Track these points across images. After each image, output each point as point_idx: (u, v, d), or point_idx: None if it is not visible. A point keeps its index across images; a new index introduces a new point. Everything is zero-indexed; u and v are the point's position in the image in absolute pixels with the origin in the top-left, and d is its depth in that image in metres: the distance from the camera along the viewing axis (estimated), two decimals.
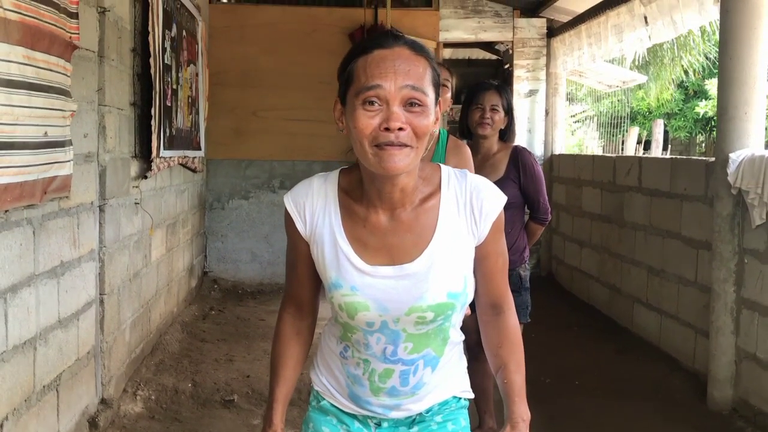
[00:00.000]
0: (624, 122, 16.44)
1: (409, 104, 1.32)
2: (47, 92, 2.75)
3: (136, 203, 4.18)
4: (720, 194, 3.92)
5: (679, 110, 20.25)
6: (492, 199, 1.45)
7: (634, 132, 14.28)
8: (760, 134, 3.84)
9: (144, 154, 4.26)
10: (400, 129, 1.30)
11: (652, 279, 5.03)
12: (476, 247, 1.46)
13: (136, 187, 4.19)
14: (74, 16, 3.02)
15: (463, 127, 3.42)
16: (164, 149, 4.53)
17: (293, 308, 1.59)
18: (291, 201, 1.48)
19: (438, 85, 1.39)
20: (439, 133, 2.95)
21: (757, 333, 3.71)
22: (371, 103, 1.31)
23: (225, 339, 5.06)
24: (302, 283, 1.55)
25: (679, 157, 6.13)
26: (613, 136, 16.25)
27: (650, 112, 19.98)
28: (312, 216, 1.46)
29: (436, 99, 1.38)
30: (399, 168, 1.32)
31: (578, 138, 17.44)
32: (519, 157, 3.33)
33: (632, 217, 5.37)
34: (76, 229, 3.25)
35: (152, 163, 4.28)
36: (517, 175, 3.29)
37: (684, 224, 4.56)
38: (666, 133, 20.50)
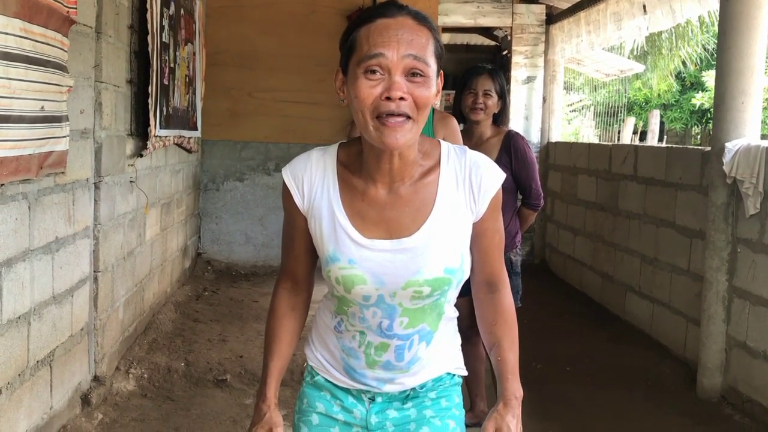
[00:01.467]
0: (621, 112, 16.44)
1: (411, 74, 1.31)
2: (44, 66, 2.73)
3: (131, 181, 4.17)
4: (715, 183, 3.93)
5: (675, 101, 20.26)
6: (491, 176, 1.45)
7: (630, 122, 14.27)
8: (756, 124, 3.86)
9: (140, 132, 4.24)
10: (402, 99, 1.30)
11: (645, 267, 5.05)
12: (474, 224, 1.46)
13: (132, 165, 4.18)
14: None
15: (457, 111, 3.41)
16: (160, 128, 4.51)
17: (289, 283, 1.58)
18: (290, 174, 1.47)
19: (440, 57, 1.38)
20: None
21: (747, 321, 3.73)
22: (373, 71, 1.31)
23: (218, 320, 5.06)
24: (299, 258, 1.55)
25: (674, 146, 6.14)
26: (609, 125, 16.25)
27: (647, 103, 19.98)
28: (310, 189, 1.46)
29: (438, 71, 1.38)
30: (400, 144, 1.32)
31: (575, 127, 17.44)
32: (512, 142, 3.33)
33: (627, 206, 5.38)
34: (72, 205, 3.25)
35: (148, 142, 4.26)
36: (510, 159, 3.29)
37: (678, 213, 4.58)
38: (662, 124, 20.50)
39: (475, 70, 3.37)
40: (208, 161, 6.82)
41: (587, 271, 6.20)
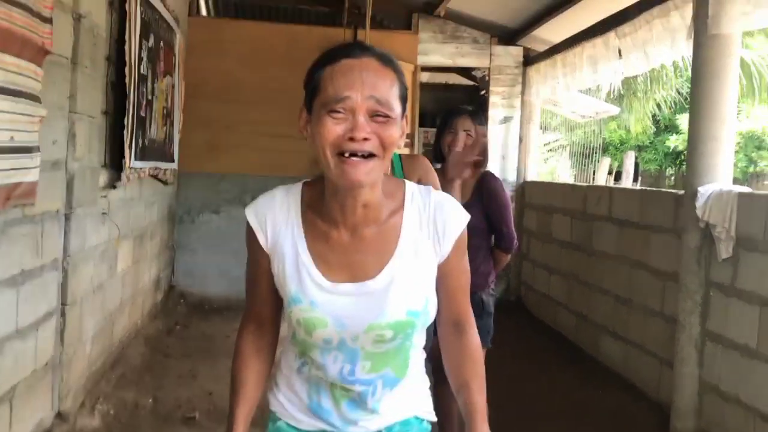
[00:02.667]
0: (596, 153, 16.68)
1: (375, 115, 1.30)
2: (16, 96, 2.70)
3: (103, 213, 4.11)
4: (688, 227, 3.96)
5: (650, 143, 20.60)
6: (455, 217, 1.44)
7: (605, 162, 14.50)
8: (729, 169, 3.91)
9: (114, 164, 4.20)
10: (365, 139, 1.28)
11: (619, 308, 5.06)
12: (439, 265, 1.44)
13: (105, 197, 4.13)
14: (48, 21, 2.97)
15: (437, 150, 3.42)
16: (135, 159, 4.47)
17: (254, 325, 1.55)
18: (253, 214, 1.45)
19: (405, 99, 1.37)
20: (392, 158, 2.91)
21: (720, 365, 3.74)
22: (337, 111, 1.29)
23: (189, 355, 4.98)
24: (264, 299, 1.51)
25: (649, 188, 6.21)
26: (584, 166, 16.45)
27: (622, 144, 20.29)
28: (274, 229, 1.43)
29: (403, 112, 1.36)
30: (362, 180, 1.30)
31: (551, 166, 17.63)
32: (486, 183, 3.33)
33: (601, 246, 5.41)
34: (40, 237, 3.18)
35: (122, 173, 4.21)
36: (483, 200, 3.29)
37: (652, 255, 4.60)
38: (636, 165, 20.83)
39: (457, 110, 3.40)
40: (185, 193, 6.77)
41: (562, 310, 6.20)
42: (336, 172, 1.30)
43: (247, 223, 1.45)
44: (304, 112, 1.38)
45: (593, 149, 16.61)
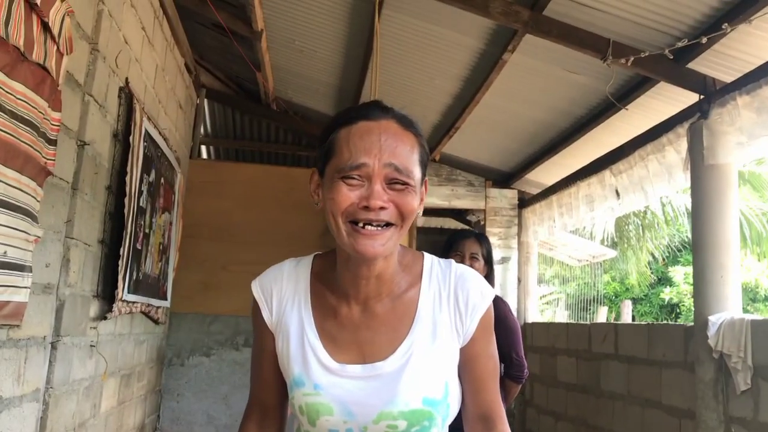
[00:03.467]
0: (592, 304, 16.63)
1: (393, 182, 1.20)
2: (13, 211, 2.64)
3: (91, 346, 3.93)
4: (701, 359, 3.81)
5: (644, 296, 20.59)
6: (480, 292, 1.30)
7: (603, 311, 14.37)
8: (738, 297, 3.82)
9: (106, 295, 4.07)
10: (382, 208, 1.18)
11: None
12: (462, 349, 1.29)
13: (94, 328, 3.97)
14: (53, 143, 2.99)
15: None
16: (128, 292, 4.35)
17: (257, 414, 1.40)
18: (258, 286, 1.35)
19: (425, 165, 1.28)
20: None
21: None
22: (352, 178, 1.20)
23: None
24: (268, 385, 1.37)
25: (655, 322, 6.06)
26: (581, 318, 16.33)
27: (617, 296, 20.28)
28: (279, 303, 1.32)
29: (423, 179, 1.27)
30: (377, 252, 1.19)
31: (548, 318, 17.48)
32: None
33: (609, 386, 5.19)
34: (23, 363, 3.00)
35: (114, 305, 4.08)
36: None
37: (664, 392, 4.39)
38: (633, 317, 20.71)
39: (463, 233, 3.44)
40: (175, 334, 6.57)
41: None
42: (348, 241, 1.20)
43: (253, 298, 1.35)
44: (316, 175, 1.30)
45: (589, 301, 16.57)
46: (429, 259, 1.35)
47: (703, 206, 3.94)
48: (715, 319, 3.72)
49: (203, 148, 8.36)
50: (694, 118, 4.11)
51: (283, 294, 1.33)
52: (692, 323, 4.02)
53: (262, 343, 1.37)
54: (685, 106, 4.35)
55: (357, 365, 1.25)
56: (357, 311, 1.28)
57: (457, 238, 3.38)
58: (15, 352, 2.90)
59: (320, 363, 1.26)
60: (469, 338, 1.29)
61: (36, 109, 2.76)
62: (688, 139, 4.10)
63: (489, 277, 3.36)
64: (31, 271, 2.87)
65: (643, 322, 6.68)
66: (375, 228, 1.18)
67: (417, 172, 1.24)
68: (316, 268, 1.35)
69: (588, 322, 6.44)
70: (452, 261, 1.36)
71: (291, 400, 1.30)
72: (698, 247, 3.97)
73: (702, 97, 4.07)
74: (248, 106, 7.94)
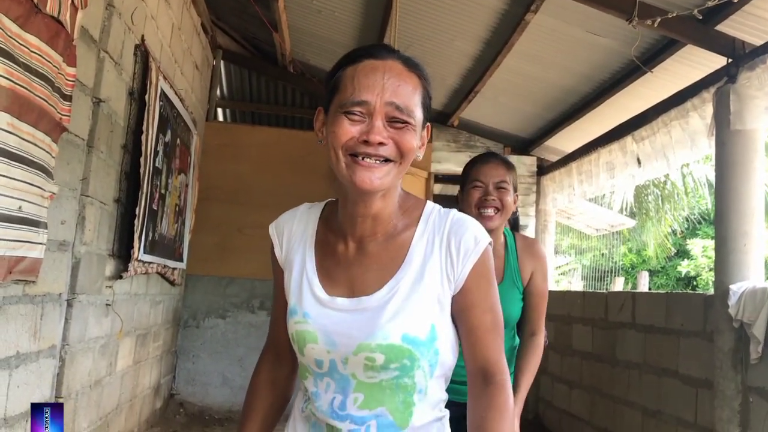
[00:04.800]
0: (608, 275, 16.52)
1: (393, 120, 1.22)
2: (28, 166, 2.62)
3: (107, 304, 3.94)
4: (720, 328, 3.76)
5: (661, 268, 20.44)
6: (474, 237, 1.27)
7: (619, 283, 14.27)
8: (760, 266, 3.75)
9: (122, 254, 4.07)
10: (381, 144, 1.20)
11: (647, 421, 4.73)
12: (456, 297, 1.27)
13: (110, 287, 3.97)
14: (68, 98, 2.95)
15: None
16: (144, 252, 4.35)
17: (272, 354, 1.45)
18: (274, 227, 1.42)
19: (428, 108, 1.29)
20: (505, 234, 2.51)
21: None
22: (353, 113, 1.22)
23: None
24: (280, 325, 1.40)
25: (674, 291, 5.99)
26: (597, 289, 16.24)
27: (633, 268, 20.14)
28: (289, 241, 1.38)
29: (425, 122, 1.28)
30: (374, 185, 1.21)
31: (563, 288, 17.42)
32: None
33: (625, 355, 5.15)
34: (39, 319, 3.01)
35: (130, 265, 4.08)
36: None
37: (681, 362, 4.35)
38: (649, 289, 20.53)
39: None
40: (191, 296, 6.60)
41: (585, 427, 5.83)
42: (347, 173, 1.21)
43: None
44: (322, 113, 1.31)
45: (605, 272, 16.47)
46: (431, 205, 1.35)
47: (727, 173, 3.85)
48: (736, 288, 3.66)
49: (219, 110, 8.30)
50: (721, 82, 4.00)
51: (293, 233, 1.38)
52: (712, 292, 3.96)
53: (276, 281, 1.42)
54: (711, 70, 4.24)
55: (345, 298, 1.28)
56: (352, 249, 1.31)
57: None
58: (31, 308, 2.91)
59: (313, 295, 1.30)
60: (461, 286, 1.27)
61: (50, 63, 2.72)
62: (714, 104, 4.00)
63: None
64: (46, 228, 2.86)
65: (661, 292, 6.61)
66: (373, 161, 1.20)
67: (418, 112, 1.25)
68: (326, 213, 1.40)
69: (605, 291, 6.38)
70: (453, 209, 1.34)
71: (288, 329, 1.33)
72: (721, 215, 3.88)
73: (730, 60, 3.96)
74: (265, 67, 7.86)
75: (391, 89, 1.21)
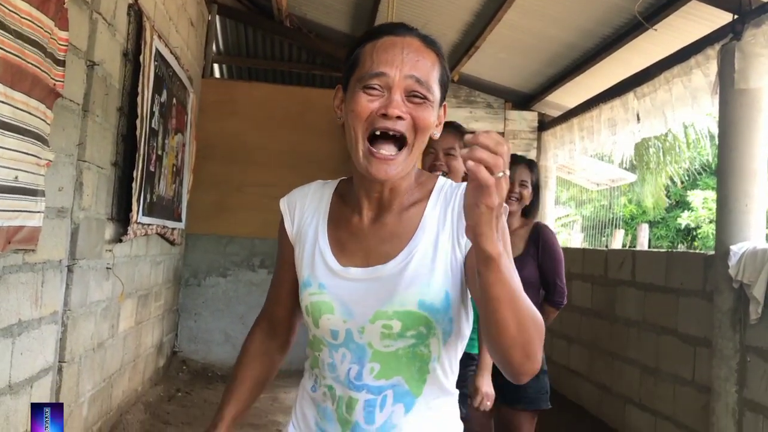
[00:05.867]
0: (608, 227, 16.54)
1: (412, 95, 1.22)
2: (23, 135, 2.58)
3: (107, 268, 3.94)
4: (720, 288, 3.77)
5: (661, 219, 20.45)
6: None
7: (619, 235, 14.29)
8: (761, 227, 3.74)
9: (121, 218, 4.06)
10: (399, 118, 1.20)
11: (645, 378, 4.79)
12: (467, 256, 1.26)
13: (110, 251, 3.97)
14: (61, 63, 2.89)
15: None
16: (143, 215, 4.34)
17: (266, 324, 1.48)
18: (285, 202, 1.42)
19: (446, 87, 1.29)
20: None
21: None
22: (372, 88, 1.22)
23: (190, 423, 4.71)
24: (280, 297, 1.45)
25: (674, 250, 6.01)
26: (597, 240, 16.28)
27: (633, 219, 20.17)
28: (301, 215, 1.39)
29: (442, 100, 1.29)
30: (389, 175, 1.23)
31: (563, 239, 17.45)
32: (540, 234, 3.17)
33: (625, 313, 5.18)
34: (40, 287, 3.01)
35: (129, 228, 4.07)
36: (537, 252, 3.12)
37: (680, 320, 4.38)
38: (649, 241, 20.57)
39: (513, 159, 3.18)
40: (191, 255, 6.61)
41: (583, 383, 5.91)
42: (363, 163, 1.23)
43: (280, 214, 1.42)
44: (340, 91, 1.32)
45: (605, 223, 16.49)
46: (443, 179, 1.37)
47: (730, 132, 3.81)
48: (737, 249, 3.65)
49: (215, 66, 8.18)
50: (726, 39, 3.93)
51: (306, 208, 1.40)
52: (713, 252, 3.96)
53: (282, 255, 1.43)
54: (717, 27, 4.16)
55: (360, 268, 1.29)
56: (367, 221, 1.33)
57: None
58: (32, 276, 2.91)
59: (326, 265, 1.31)
60: (468, 249, 1.27)
61: (42, 28, 2.66)
62: (718, 61, 3.93)
63: (534, 204, 3.27)
64: (44, 195, 2.83)
65: (662, 250, 6.62)
66: (388, 153, 1.22)
67: (436, 89, 1.26)
68: (340, 188, 1.41)
69: (605, 248, 6.39)
70: (463, 183, 1.32)
71: (301, 302, 1.35)
72: (723, 174, 3.86)
73: (736, 17, 3.87)
74: (261, 22, 7.71)
75: (410, 63, 1.22)
